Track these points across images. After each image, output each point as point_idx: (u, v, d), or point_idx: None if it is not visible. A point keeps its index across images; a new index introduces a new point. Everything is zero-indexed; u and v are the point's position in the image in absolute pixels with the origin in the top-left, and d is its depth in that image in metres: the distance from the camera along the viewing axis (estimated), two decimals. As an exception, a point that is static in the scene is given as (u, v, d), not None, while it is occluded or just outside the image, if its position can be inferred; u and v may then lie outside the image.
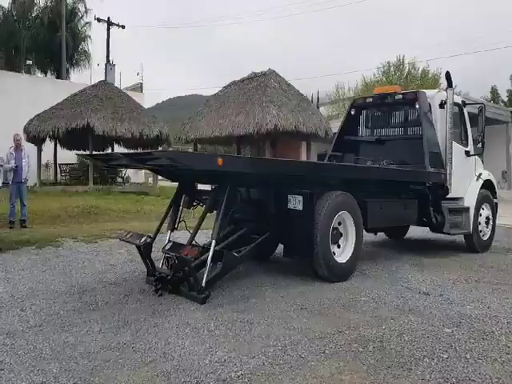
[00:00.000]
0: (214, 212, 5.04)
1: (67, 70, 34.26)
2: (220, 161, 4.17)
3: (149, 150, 4.25)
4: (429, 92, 7.64)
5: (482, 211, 7.71)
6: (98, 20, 29.62)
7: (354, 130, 8.19)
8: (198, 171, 4.65)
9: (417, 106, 7.12)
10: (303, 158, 20.81)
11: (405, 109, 7.59)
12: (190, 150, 22.30)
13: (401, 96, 7.44)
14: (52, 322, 3.89)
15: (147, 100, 29.13)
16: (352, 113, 8.13)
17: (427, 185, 7.00)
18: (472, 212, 7.44)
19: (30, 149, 12.59)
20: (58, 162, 20.64)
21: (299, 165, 5.63)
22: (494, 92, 44.98)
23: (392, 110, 7.84)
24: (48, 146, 19.74)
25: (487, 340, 3.59)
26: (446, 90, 7.18)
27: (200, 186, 5.77)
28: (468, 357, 3.26)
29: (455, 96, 7.40)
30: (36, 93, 22.25)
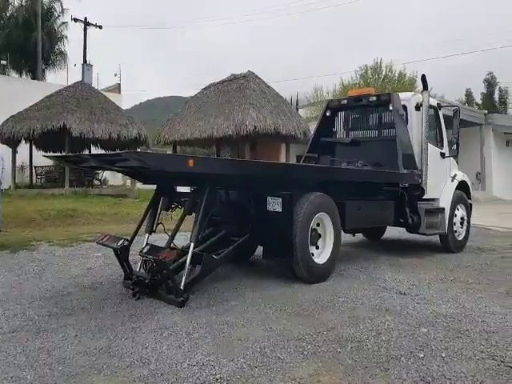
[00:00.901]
0: (193, 214, 5.01)
1: (43, 71, 33.65)
2: (191, 162, 4.08)
3: (117, 152, 4.07)
4: (405, 94, 7.76)
5: (456, 212, 7.86)
6: (75, 20, 29.19)
7: (329, 131, 8.24)
8: (172, 173, 4.52)
9: (390, 108, 7.19)
10: (282, 159, 20.89)
11: (379, 110, 7.67)
12: (169, 152, 22.15)
13: (375, 98, 7.51)
14: (26, 327, 3.81)
15: (125, 101, 28.86)
16: (327, 114, 8.18)
17: (404, 186, 7.10)
18: (447, 213, 7.58)
19: (4, 151, 12.33)
20: (34, 164, 20.25)
21: (271, 166, 5.58)
22: (469, 95, 46.05)
23: (366, 112, 7.92)
24: (23, 147, 19.37)
25: (462, 338, 3.65)
26: (421, 93, 7.30)
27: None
28: (444, 355, 3.32)
29: (431, 98, 7.53)
30: (11, 93, 21.79)
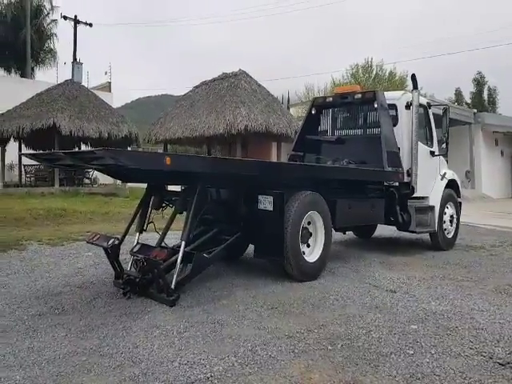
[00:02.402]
0: (184, 213, 4.99)
1: (32, 69, 33.39)
2: (168, 160, 3.98)
3: (91, 149, 3.79)
4: (395, 93, 7.79)
5: (446, 210, 7.92)
6: (65, 18, 28.89)
7: (314, 129, 8.17)
8: (150, 171, 4.41)
9: (375, 106, 7.13)
10: (274, 158, 20.90)
11: (364, 108, 7.61)
12: (160, 151, 22.07)
13: (360, 95, 7.44)
14: (16, 327, 3.78)
15: (116, 99, 28.72)
16: (313, 112, 8.09)
17: (394, 184, 7.13)
18: (437, 211, 7.63)
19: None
20: (23, 163, 20.07)
21: (253, 164, 5.53)
22: (458, 94, 46.38)
23: (351, 110, 7.88)
24: (12, 146, 19.19)
25: (451, 335, 3.69)
26: (411, 92, 7.32)
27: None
28: (433, 352, 3.35)
29: (420, 98, 7.55)
30: (-1, 92, 21.59)
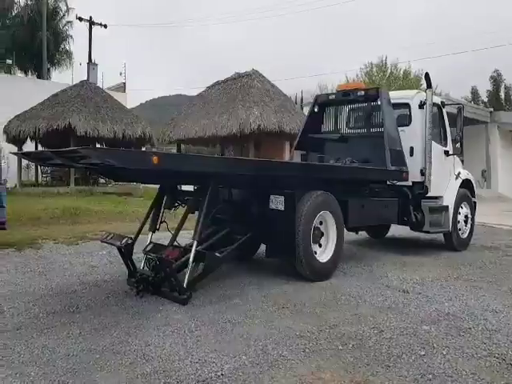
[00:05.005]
0: (196, 213, 5.03)
1: (48, 70, 33.87)
2: (155, 159, 3.87)
3: (75, 148, 3.62)
4: (408, 92, 7.73)
5: (460, 210, 7.83)
6: (80, 19, 29.21)
7: (317, 127, 8.01)
8: (146, 171, 4.33)
9: (379, 103, 6.98)
10: (286, 157, 20.89)
11: (367, 106, 7.47)
12: (174, 151, 22.21)
13: (363, 93, 7.25)
14: (31, 325, 3.85)
15: (130, 100, 28.95)
16: (315, 110, 7.90)
17: (407, 184, 7.05)
18: (451, 211, 7.55)
19: (10, 150, 12.41)
20: (39, 162, 20.35)
21: (246, 163, 5.45)
22: (475, 92, 45.76)
23: (354, 107, 7.77)
24: (29, 146, 19.49)
25: (464, 336, 3.66)
26: (425, 91, 7.25)
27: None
28: (445, 353, 3.33)
29: (434, 97, 7.45)
30: (16, 93, 21.96)
